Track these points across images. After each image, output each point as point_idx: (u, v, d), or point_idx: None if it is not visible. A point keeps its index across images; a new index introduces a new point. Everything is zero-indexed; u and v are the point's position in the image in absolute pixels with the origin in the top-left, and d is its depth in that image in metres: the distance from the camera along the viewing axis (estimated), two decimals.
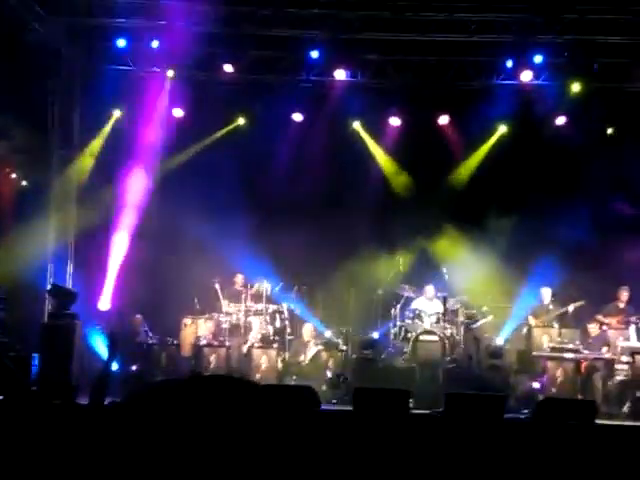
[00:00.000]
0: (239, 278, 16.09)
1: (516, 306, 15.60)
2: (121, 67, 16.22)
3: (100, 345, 14.23)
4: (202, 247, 15.27)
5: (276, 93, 16.42)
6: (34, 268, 15.26)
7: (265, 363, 15.04)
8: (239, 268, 15.97)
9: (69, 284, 15.92)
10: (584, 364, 14.36)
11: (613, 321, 15.21)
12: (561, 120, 16.46)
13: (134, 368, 14.61)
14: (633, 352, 14.24)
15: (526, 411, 13.20)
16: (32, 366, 13.68)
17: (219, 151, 16.73)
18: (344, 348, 15.32)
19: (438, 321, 15.43)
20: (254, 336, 15.55)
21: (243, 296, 15.85)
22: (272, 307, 15.88)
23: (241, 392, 2.23)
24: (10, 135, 14.55)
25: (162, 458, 2.20)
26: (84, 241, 16.03)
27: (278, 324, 15.82)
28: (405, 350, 15.26)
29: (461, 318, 15.69)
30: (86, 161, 16.40)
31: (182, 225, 15.57)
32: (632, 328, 14.90)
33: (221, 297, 15.84)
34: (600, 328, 14.94)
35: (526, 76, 15.95)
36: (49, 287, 15.29)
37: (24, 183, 15.85)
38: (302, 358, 15.22)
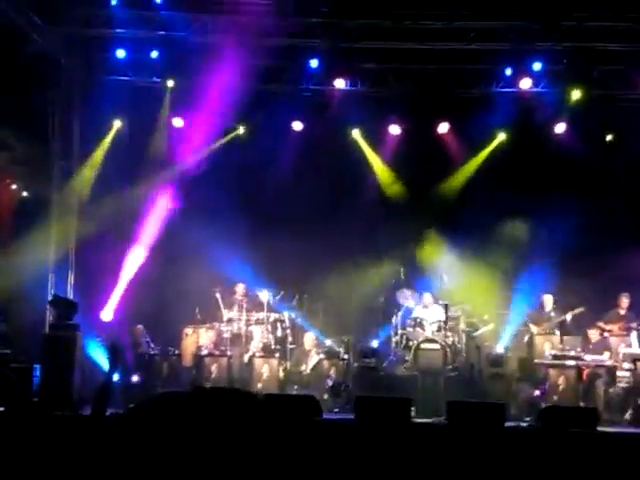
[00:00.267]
0: (240, 287, 16.09)
1: (513, 313, 15.59)
2: (121, 77, 16.24)
3: (101, 356, 14.21)
4: (202, 257, 15.25)
5: (276, 102, 16.42)
6: (35, 279, 15.26)
7: (266, 372, 15.02)
8: (240, 277, 15.97)
9: (70, 295, 15.91)
10: (586, 371, 14.34)
11: (614, 328, 15.20)
12: (561, 127, 16.47)
13: (136, 379, 14.58)
14: (635, 359, 14.23)
15: (528, 419, 13.20)
16: (34, 377, 13.67)
17: (219, 160, 16.76)
18: (345, 357, 15.31)
19: (439, 329, 15.41)
20: (255, 345, 15.54)
21: (244, 305, 15.85)
22: (273, 316, 15.88)
23: (242, 404, 2.22)
24: (10, 146, 14.57)
25: (163, 471, 2.20)
26: (85, 252, 16.02)
27: (279, 333, 15.81)
28: (406, 358, 15.25)
29: (462, 326, 15.68)
30: (88, 172, 16.40)
31: (182, 235, 15.57)
32: (633, 335, 14.90)
33: (222, 306, 15.84)
34: (601, 335, 14.94)
35: (525, 83, 15.96)
36: (50, 298, 15.29)
37: (25, 194, 15.86)
38: (303, 367, 15.21)
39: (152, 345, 15.50)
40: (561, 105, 16.20)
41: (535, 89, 16.12)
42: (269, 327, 15.77)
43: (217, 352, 15.37)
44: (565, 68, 15.83)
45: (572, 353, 14.47)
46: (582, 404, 13.84)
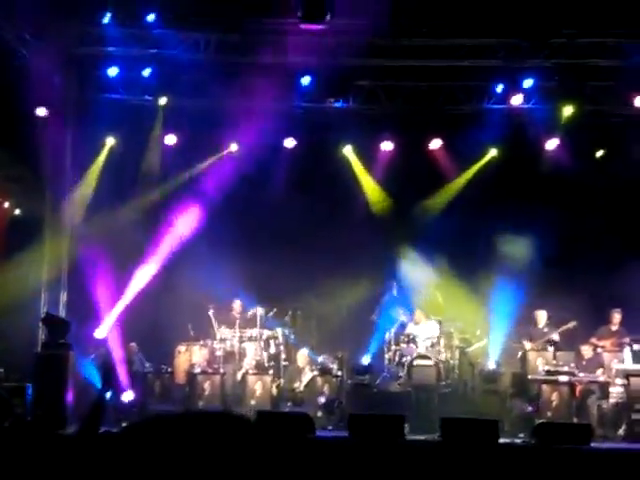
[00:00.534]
0: (237, 304, 16.06)
1: (495, 328, 15.61)
2: (113, 95, 16.25)
3: (94, 375, 14.17)
4: (195, 274, 15.24)
5: (268, 119, 16.44)
6: (27, 297, 15.24)
7: (260, 390, 14.98)
8: (233, 294, 15.95)
9: (62, 313, 15.86)
10: (579, 387, 14.36)
11: (607, 344, 15.21)
12: (552, 143, 16.51)
13: (129, 397, 14.52)
14: (628, 374, 14.23)
15: (522, 435, 13.19)
16: (26, 396, 13.62)
17: (211, 177, 16.79)
18: (339, 374, 15.29)
19: (432, 345, 15.41)
20: (249, 362, 15.51)
21: (237, 322, 15.83)
22: (266, 333, 15.86)
23: (232, 428, 2.21)
24: (2, 164, 14.55)
25: None
26: (78, 270, 15.98)
27: (272, 350, 15.78)
28: (400, 375, 15.24)
29: (456, 342, 15.68)
30: (82, 191, 16.40)
31: (174, 252, 15.57)
32: (626, 350, 14.92)
33: (215, 324, 15.82)
34: (594, 351, 14.96)
35: (516, 100, 16.03)
36: (43, 316, 15.24)
37: (17, 212, 15.84)
38: (297, 384, 15.18)
39: (145, 363, 15.46)
40: (552, 121, 16.26)
41: (526, 105, 16.18)
42: (262, 344, 15.75)
43: (210, 369, 15.33)
44: (556, 84, 15.89)
45: (565, 369, 14.49)
46: (575, 420, 13.85)
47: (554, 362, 14.83)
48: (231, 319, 15.96)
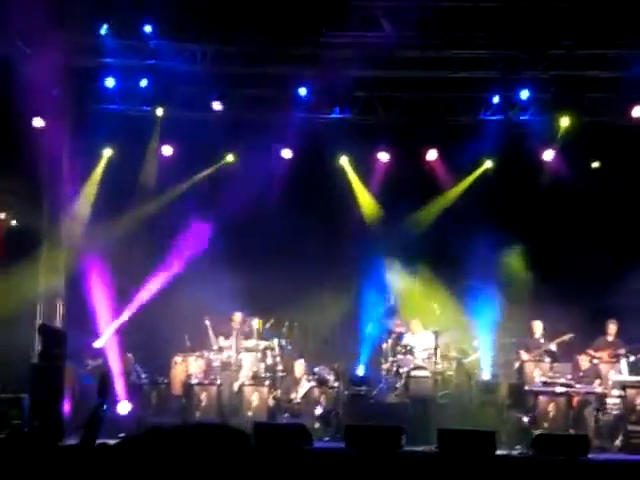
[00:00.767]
0: (237, 316, 16.03)
1: (502, 338, 15.61)
2: (110, 106, 16.26)
3: (91, 386, 14.14)
4: (190, 285, 15.24)
5: (265, 130, 16.46)
6: (24, 309, 15.22)
7: (256, 400, 14.95)
8: (229, 305, 15.93)
9: (59, 324, 15.84)
10: (576, 398, 14.34)
11: (604, 355, 15.20)
12: (549, 155, 16.53)
13: (125, 408, 14.48)
14: (624, 385, 14.24)
15: (519, 446, 13.18)
16: (22, 407, 13.60)
17: (208, 188, 16.81)
18: (336, 385, 15.27)
19: (429, 356, 15.39)
20: (245, 373, 15.49)
21: (234, 333, 15.82)
22: (263, 344, 15.84)
23: (228, 440, 2.21)
24: None
25: None
26: (75, 282, 15.97)
27: (269, 361, 15.75)
28: (397, 386, 15.23)
29: (453, 353, 15.66)
30: (82, 203, 16.41)
31: (171, 262, 15.57)
32: (623, 361, 14.92)
33: (212, 335, 15.80)
34: (591, 362, 14.95)
35: (514, 111, 16.06)
36: (38, 327, 15.22)
37: (14, 223, 15.82)
38: (294, 395, 15.16)
39: (141, 374, 15.43)
40: (549, 133, 16.29)
41: (523, 117, 16.21)
42: (259, 355, 15.73)
43: (207, 381, 15.31)
44: (553, 96, 15.92)
45: (562, 380, 14.48)
46: (572, 431, 13.84)
47: (551, 373, 14.83)
48: (228, 330, 15.94)
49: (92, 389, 13.93)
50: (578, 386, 14.44)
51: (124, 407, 14.38)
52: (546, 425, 13.96)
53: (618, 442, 13.77)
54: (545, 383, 14.47)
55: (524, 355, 15.43)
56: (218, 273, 14.93)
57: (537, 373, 14.97)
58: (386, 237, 16.97)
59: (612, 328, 15.36)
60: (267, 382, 15.28)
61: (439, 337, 15.41)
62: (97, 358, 15.32)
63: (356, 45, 15.14)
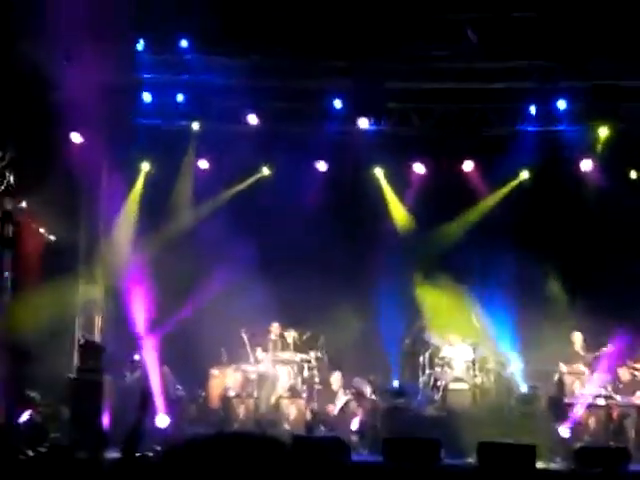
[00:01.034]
0: (275, 327, 16.03)
1: (541, 351, 15.49)
2: (147, 121, 16.37)
3: (130, 399, 14.18)
4: (227, 298, 15.27)
5: (300, 143, 16.49)
6: (62, 322, 15.33)
7: (294, 413, 14.95)
8: (266, 317, 15.94)
9: (97, 338, 15.94)
10: (616, 410, 14.20)
11: None
12: (587, 165, 16.39)
13: (164, 422, 14.50)
14: None
15: (558, 459, 13.05)
16: (62, 421, 13.69)
17: (244, 201, 16.86)
18: (373, 397, 15.22)
19: (468, 369, 15.28)
20: (282, 386, 15.48)
21: (271, 345, 15.82)
22: (300, 357, 15.82)
23: (268, 450, 2.20)
24: (37, 190, 14.67)
25: None
26: (113, 294, 16.08)
27: (306, 373, 15.74)
28: (435, 398, 15.14)
29: (491, 365, 15.55)
30: (123, 218, 16.53)
31: (208, 275, 15.60)
32: None
33: (249, 347, 15.80)
34: (631, 374, 14.78)
35: (550, 122, 15.95)
36: (80, 341, 15.32)
37: (52, 237, 15.93)
38: (331, 408, 15.11)
39: (178, 387, 15.47)
40: (586, 143, 16.16)
41: (560, 127, 16.09)
42: (296, 368, 15.71)
43: (244, 393, 15.33)
44: (590, 105, 15.79)
45: (602, 392, 14.33)
46: (612, 444, 13.68)
47: (590, 385, 14.67)
48: (265, 342, 15.94)
49: (131, 402, 13.98)
50: (618, 398, 14.30)
51: (162, 420, 14.41)
52: (586, 437, 13.82)
53: None
54: (585, 395, 14.32)
55: (563, 367, 15.29)
56: (254, 285, 14.95)
57: (577, 385, 14.83)
58: (420, 249, 16.92)
59: None
60: (304, 395, 15.26)
61: (477, 349, 15.30)
62: (135, 371, 15.38)
63: (390, 57, 15.14)
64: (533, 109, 15.93)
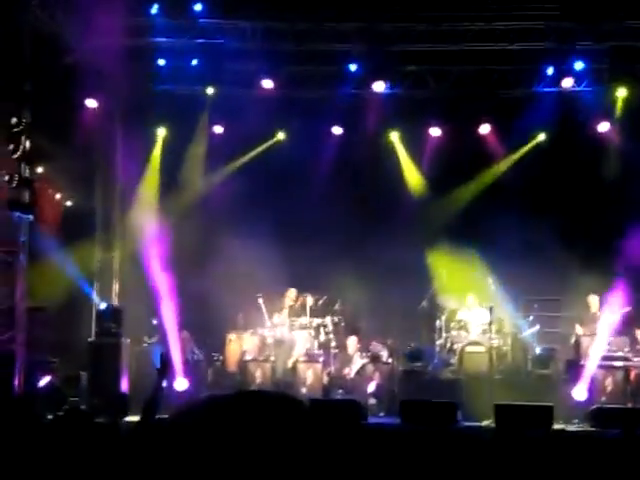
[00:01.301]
0: (292, 292, 16.07)
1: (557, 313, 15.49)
2: (161, 86, 16.32)
3: (148, 362, 14.28)
4: (244, 263, 15.28)
5: (315, 107, 16.43)
6: (80, 288, 15.42)
7: (310, 377, 15.01)
8: (283, 283, 15.97)
9: (115, 302, 16.03)
10: (634, 372, 14.19)
11: None
12: (604, 126, 16.27)
13: (183, 385, 14.59)
14: None
15: (576, 420, 13.08)
16: (80, 385, 13.80)
17: (258, 167, 16.84)
18: (389, 361, 15.26)
19: (484, 332, 15.28)
20: (299, 350, 15.54)
21: (288, 310, 15.87)
22: (316, 321, 15.87)
23: (286, 408, 2.20)
24: (53, 156, 14.68)
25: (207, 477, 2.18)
26: (129, 259, 16.14)
27: (322, 338, 15.79)
28: (452, 362, 15.16)
29: (508, 328, 15.55)
30: (147, 186, 16.57)
31: (224, 241, 15.62)
32: None
33: (265, 312, 15.86)
34: None
35: (567, 83, 15.81)
36: (98, 306, 15.41)
37: (68, 203, 15.99)
38: (347, 371, 15.18)
39: (197, 351, 15.56)
40: (604, 104, 16.03)
41: (577, 88, 15.96)
42: (312, 332, 15.76)
43: (261, 357, 15.40)
44: (607, 67, 15.64)
45: (619, 354, 14.32)
46: (630, 405, 13.69)
47: (608, 347, 14.65)
48: (281, 307, 15.99)
49: (149, 366, 14.09)
50: (636, 360, 14.27)
51: (181, 384, 14.51)
52: (603, 399, 13.83)
53: None
54: (602, 357, 14.31)
55: (580, 329, 15.27)
56: (270, 250, 14.97)
57: (593, 347, 14.80)
58: (436, 214, 16.89)
59: None
60: (321, 359, 15.32)
61: (493, 312, 15.28)
62: (153, 335, 15.47)
63: (405, 18, 15.04)
64: (550, 70, 15.81)
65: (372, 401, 14.43)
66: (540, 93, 16.11)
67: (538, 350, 15.09)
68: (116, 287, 16.37)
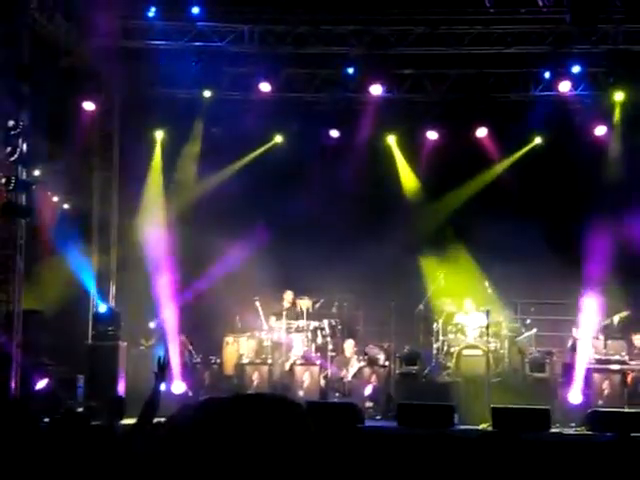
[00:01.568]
0: (288, 295, 16.07)
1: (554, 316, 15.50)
2: (158, 89, 16.31)
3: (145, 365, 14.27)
4: (241, 266, 15.29)
5: (312, 110, 16.44)
6: (77, 290, 15.40)
7: (307, 380, 15.00)
8: (280, 285, 15.97)
9: (112, 305, 16.01)
10: (630, 375, 14.20)
11: None
12: (601, 130, 16.29)
13: (180, 388, 14.60)
14: None
15: (573, 424, 13.08)
16: (77, 388, 13.79)
17: (256, 170, 16.83)
18: (386, 364, 15.26)
19: (481, 335, 15.29)
20: (296, 353, 15.54)
21: (285, 313, 15.87)
22: (313, 324, 15.86)
23: (284, 411, 2.20)
24: (51, 158, 14.69)
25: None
26: (126, 262, 16.13)
27: (320, 341, 15.78)
28: (448, 365, 15.16)
29: (505, 331, 15.56)
30: (150, 189, 16.57)
31: (220, 244, 15.61)
32: None
33: (262, 315, 15.85)
34: None
35: (564, 86, 15.83)
36: (95, 310, 15.40)
37: (65, 206, 15.98)
38: (344, 374, 15.18)
39: (194, 354, 15.56)
40: (602, 108, 16.05)
41: (574, 92, 15.97)
42: (309, 334, 15.76)
43: (258, 360, 15.39)
44: (604, 70, 15.67)
45: (617, 357, 14.34)
46: (627, 408, 13.70)
47: (604, 351, 14.67)
48: (279, 310, 15.99)
49: (146, 369, 14.06)
50: (632, 363, 14.29)
51: (178, 387, 14.50)
52: (600, 402, 13.84)
53: None
54: (599, 361, 14.33)
55: (576, 333, 15.26)
56: (267, 254, 14.96)
57: (591, 351, 14.82)
58: (433, 217, 16.91)
59: None
60: (318, 362, 15.32)
61: (490, 316, 15.28)
62: (150, 338, 15.46)
63: (403, 22, 15.06)
64: (548, 74, 15.83)
65: (369, 404, 14.43)
66: (537, 97, 16.13)
67: (535, 353, 15.09)
68: (113, 290, 16.35)
